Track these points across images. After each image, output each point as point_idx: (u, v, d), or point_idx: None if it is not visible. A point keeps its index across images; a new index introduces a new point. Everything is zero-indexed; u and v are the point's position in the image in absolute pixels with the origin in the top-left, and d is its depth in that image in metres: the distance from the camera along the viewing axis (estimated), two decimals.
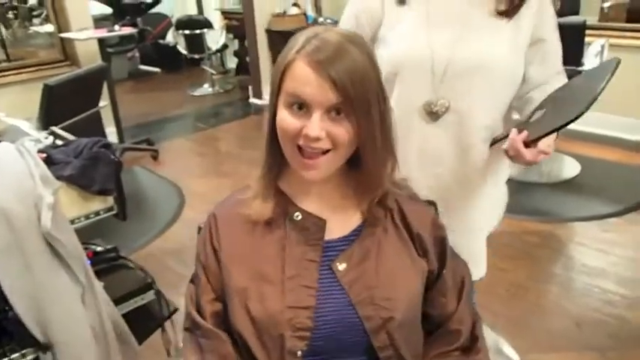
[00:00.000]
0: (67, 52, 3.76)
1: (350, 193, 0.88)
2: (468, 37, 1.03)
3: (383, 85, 0.82)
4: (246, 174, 3.43)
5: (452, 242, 0.96)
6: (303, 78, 0.76)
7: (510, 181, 1.28)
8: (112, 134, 3.68)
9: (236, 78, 5.88)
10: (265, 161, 0.87)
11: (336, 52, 0.76)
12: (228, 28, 5.71)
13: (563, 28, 3.23)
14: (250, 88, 5.04)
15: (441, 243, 0.93)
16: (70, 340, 1.25)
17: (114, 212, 1.43)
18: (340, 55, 0.76)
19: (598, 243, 2.50)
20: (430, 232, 0.91)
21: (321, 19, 4.62)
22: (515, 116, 1.17)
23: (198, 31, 5.48)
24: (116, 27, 3.86)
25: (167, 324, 1.61)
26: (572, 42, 2.74)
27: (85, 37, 3.56)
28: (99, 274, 1.41)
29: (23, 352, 1.24)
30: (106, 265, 1.57)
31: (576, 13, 3.98)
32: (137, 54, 6.47)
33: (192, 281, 0.94)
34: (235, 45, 5.92)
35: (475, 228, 1.21)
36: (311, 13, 4.67)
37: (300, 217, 0.87)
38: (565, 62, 2.99)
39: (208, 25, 5.59)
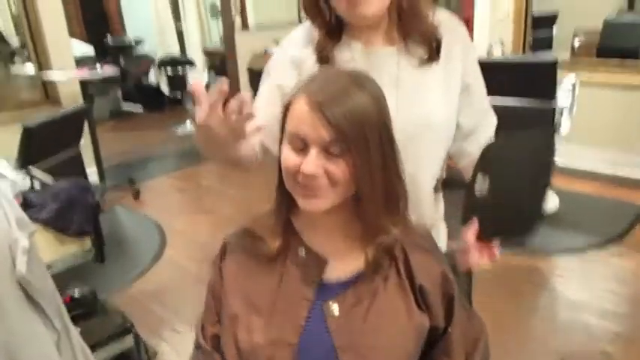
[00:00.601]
0: (48, 92, 3.76)
1: (356, 235, 0.87)
2: (403, 103, 1.00)
3: (389, 128, 0.83)
4: (227, 211, 3.43)
5: None
6: (301, 116, 0.79)
7: None
8: (92, 174, 3.65)
9: None
10: (276, 197, 0.89)
11: (336, 93, 0.79)
12: (211, 67, 5.77)
13: (536, 65, 3.31)
14: None
15: (449, 299, 0.88)
16: None
17: (91, 255, 1.41)
18: (340, 96, 0.78)
19: (580, 276, 2.51)
20: (438, 285, 0.87)
21: None
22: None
23: (180, 71, 5.53)
24: (98, 67, 3.88)
25: None
26: (546, 78, 2.82)
27: (66, 78, 3.57)
28: (76, 319, 1.37)
29: None
30: (84, 310, 1.54)
31: (549, 49, 4.12)
32: (119, 93, 6.49)
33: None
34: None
35: None
36: None
37: (303, 253, 0.87)
38: (539, 97, 3.06)
39: (191, 64, 5.65)
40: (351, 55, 1.03)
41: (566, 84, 2.93)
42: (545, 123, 2.83)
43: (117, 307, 1.57)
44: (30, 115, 3.02)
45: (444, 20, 1.05)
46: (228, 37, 4.70)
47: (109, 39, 6.50)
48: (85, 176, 3.02)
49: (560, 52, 3.80)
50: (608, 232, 2.84)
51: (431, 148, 1.02)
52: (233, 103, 0.80)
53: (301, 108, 0.79)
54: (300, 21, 4.83)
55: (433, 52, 1.03)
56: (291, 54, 1.07)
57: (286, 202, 0.88)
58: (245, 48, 4.67)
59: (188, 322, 2.17)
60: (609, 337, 2.06)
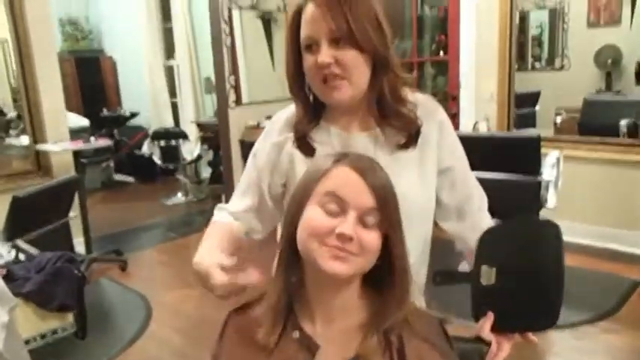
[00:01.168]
0: (40, 162, 3.78)
1: (357, 318, 0.85)
2: None
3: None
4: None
5: None
6: (346, 180, 0.80)
7: None
8: (79, 245, 3.61)
9: (209, 187, 5.94)
10: (282, 278, 0.86)
11: (372, 166, 0.83)
12: (203, 140, 5.87)
13: (521, 141, 3.39)
14: (223, 196, 5.09)
15: None
16: None
17: (72, 330, 1.37)
18: (375, 169, 0.83)
19: (573, 352, 2.46)
20: None
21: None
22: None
23: (173, 143, 5.62)
24: (92, 139, 3.93)
25: None
26: (530, 153, 2.89)
27: (60, 149, 3.61)
28: None
29: None
30: None
31: (533, 126, 4.25)
32: (112, 164, 6.54)
33: None
34: (210, 155, 6.05)
35: None
36: None
37: (297, 336, 0.85)
38: (524, 172, 3.11)
39: (184, 136, 5.75)
40: (328, 139, 1.05)
41: (551, 159, 3.00)
42: (532, 197, 2.88)
43: None
44: (21, 185, 3.04)
45: (422, 102, 1.07)
46: (222, 112, 4.82)
47: (105, 112, 6.64)
48: (72, 247, 2.99)
49: (543, 129, 3.93)
50: (600, 307, 2.81)
51: (408, 231, 0.97)
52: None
53: (346, 173, 0.81)
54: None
55: (411, 139, 1.04)
56: (272, 142, 1.10)
57: (290, 273, 0.86)
58: (238, 121, 4.78)
59: None
60: None
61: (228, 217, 1.14)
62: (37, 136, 3.72)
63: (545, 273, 0.95)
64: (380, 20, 0.98)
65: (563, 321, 2.82)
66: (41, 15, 3.66)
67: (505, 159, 2.91)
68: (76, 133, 4.32)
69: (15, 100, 4.03)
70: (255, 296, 0.92)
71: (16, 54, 3.61)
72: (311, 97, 1.05)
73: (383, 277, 0.84)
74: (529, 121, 4.22)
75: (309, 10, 0.96)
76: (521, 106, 4.10)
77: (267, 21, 4.87)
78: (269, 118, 1.16)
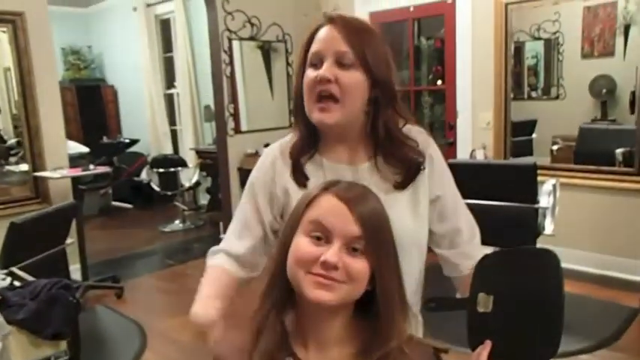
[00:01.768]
0: (39, 189, 3.79)
1: (351, 343, 0.85)
2: None
3: (395, 239, 0.85)
4: None
5: None
6: (330, 209, 0.81)
7: None
8: (76, 271, 3.59)
9: (207, 214, 5.94)
10: (273, 298, 0.86)
11: (362, 194, 0.83)
12: (202, 167, 5.89)
13: (517, 169, 3.41)
14: (221, 224, 5.09)
15: None
16: None
17: (66, 358, 1.36)
18: (366, 197, 0.83)
19: None
20: None
21: None
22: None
23: (172, 169, 5.64)
24: (91, 166, 3.95)
25: None
26: (526, 181, 2.91)
27: (59, 175, 3.62)
28: None
29: None
30: None
31: (530, 154, 4.28)
32: (110, 190, 6.55)
33: None
34: (208, 182, 6.07)
35: None
36: None
37: None
38: (521, 200, 3.12)
39: (183, 163, 5.78)
40: (321, 172, 1.04)
41: (547, 187, 3.02)
42: (529, 224, 2.88)
43: None
44: (19, 212, 3.04)
45: (414, 136, 1.06)
46: (221, 140, 4.86)
47: (105, 139, 6.69)
48: (68, 273, 2.97)
49: (540, 157, 3.95)
50: (599, 335, 2.79)
51: (402, 263, 0.93)
52: None
53: (330, 200, 0.81)
54: (290, 126, 5.03)
55: (408, 178, 1.03)
56: (267, 176, 1.10)
57: (283, 304, 0.86)
58: (236, 149, 4.81)
59: None
60: None
61: (224, 260, 1.11)
62: (37, 163, 3.74)
63: (544, 302, 0.94)
64: (389, 60, 1.01)
65: (562, 349, 2.78)
66: (44, 45, 3.73)
67: (502, 187, 2.92)
68: (75, 160, 4.35)
69: (16, 127, 4.06)
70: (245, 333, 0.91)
71: (18, 82, 3.65)
72: (307, 123, 1.04)
73: (376, 304, 0.83)
74: (526, 149, 4.24)
75: (325, 30, 0.98)
76: (518, 134, 4.13)
77: (266, 51, 4.95)
78: (267, 145, 1.16)
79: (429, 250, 1.13)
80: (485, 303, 0.93)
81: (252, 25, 4.78)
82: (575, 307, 3.32)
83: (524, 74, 4.39)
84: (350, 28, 0.97)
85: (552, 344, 0.94)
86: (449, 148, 4.20)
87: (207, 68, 5.11)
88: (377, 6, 4.48)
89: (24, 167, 3.84)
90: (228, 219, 4.97)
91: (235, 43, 4.70)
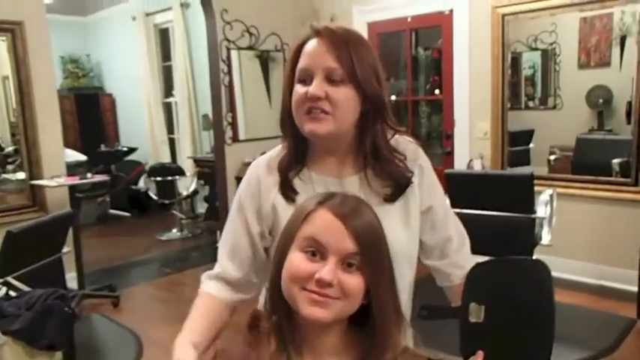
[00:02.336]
0: (36, 198, 3.79)
1: (347, 354, 0.85)
2: None
3: (389, 251, 0.85)
4: None
5: None
6: (326, 225, 0.80)
7: None
8: (72, 280, 3.57)
9: (205, 223, 5.93)
10: (270, 310, 0.86)
11: (356, 208, 0.82)
12: (200, 175, 5.89)
13: (514, 179, 3.41)
14: (219, 232, 5.07)
15: None
16: None
17: None
18: (360, 211, 0.82)
19: None
20: None
21: None
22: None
23: (170, 178, 5.64)
24: (89, 175, 3.95)
25: None
26: (523, 191, 2.91)
27: (56, 184, 3.62)
28: None
29: None
30: None
31: (527, 163, 4.29)
32: (108, 199, 6.55)
33: None
34: (206, 191, 6.07)
35: None
36: None
37: None
38: (518, 210, 3.12)
39: (180, 172, 5.78)
40: (311, 186, 1.03)
41: (544, 197, 3.02)
42: (526, 234, 2.88)
43: None
44: (15, 221, 3.02)
45: (403, 147, 1.06)
46: (219, 148, 4.87)
47: (103, 147, 6.69)
48: (64, 282, 2.96)
49: (537, 167, 3.96)
50: (596, 345, 2.77)
51: (396, 276, 0.93)
52: None
53: (326, 217, 0.80)
54: None
55: (398, 191, 1.02)
56: (255, 192, 1.07)
57: (279, 320, 0.85)
58: (234, 158, 4.82)
59: None
60: None
61: (216, 286, 1.10)
62: (34, 171, 3.73)
63: (535, 312, 0.95)
64: (379, 73, 0.99)
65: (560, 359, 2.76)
66: (43, 53, 3.74)
67: (499, 197, 2.93)
68: (73, 169, 4.35)
69: (13, 135, 4.06)
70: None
71: (16, 90, 3.66)
72: (296, 135, 1.03)
73: (371, 317, 0.83)
74: (523, 159, 4.25)
75: (312, 43, 0.97)
76: (516, 144, 4.14)
77: (264, 60, 4.97)
78: (264, 154, 1.14)
79: (419, 261, 1.13)
80: (476, 313, 0.93)
81: (251, 34, 4.80)
82: (572, 318, 3.32)
83: (521, 84, 4.42)
84: (338, 41, 0.95)
85: (544, 354, 0.94)
86: (446, 157, 4.20)
87: (205, 77, 5.13)
88: (375, 16, 4.50)
89: (21, 175, 3.84)
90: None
91: (234, 53, 4.72)
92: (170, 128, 6.76)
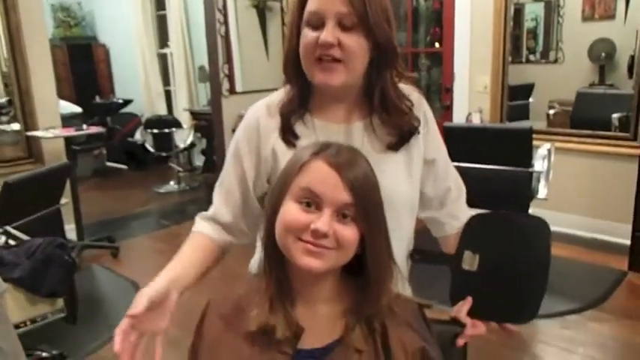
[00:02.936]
0: (32, 149, 3.76)
1: (341, 304, 0.87)
2: None
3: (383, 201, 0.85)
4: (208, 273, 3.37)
5: None
6: (321, 176, 0.79)
7: None
8: (71, 231, 3.60)
9: (202, 175, 5.93)
10: (264, 260, 0.86)
11: (352, 159, 0.81)
12: (197, 128, 5.85)
13: (513, 133, 3.41)
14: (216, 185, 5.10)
15: None
16: None
17: (63, 315, 1.37)
18: (356, 161, 0.81)
19: (560, 341, 2.49)
20: None
21: None
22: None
23: (167, 130, 5.60)
24: (84, 126, 3.91)
25: None
26: (521, 145, 2.91)
27: (51, 135, 3.59)
28: None
29: None
30: None
31: (526, 118, 4.27)
32: (104, 151, 6.52)
33: None
34: (203, 144, 6.04)
35: None
36: None
37: None
38: (516, 164, 3.13)
39: (177, 124, 5.73)
40: (313, 132, 1.01)
41: (542, 151, 3.02)
42: (523, 188, 2.90)
43: None
44: (12, 172, 3.02)
45: (407, 94, 1.04)
46: (216, 101, 4.81)
47: (98, 99, 6.60)
48: (63, 233, 2.98)
49: (537, 122, 3.94)
50: (587, 297, 2.85)
51: (393, 223, 0.93)
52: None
53: (321, 168, 0.80)
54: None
55: (402, 140, 1.01)
56: (254, 137, 1.04)
57: (275, 268, 0.86)
58: (231, 111, 4.77)
59: None
60: None
61: (209, 227, 1.10)
62: (29, 122, 3.69)
63: (529, 269, 0.96)
64: (390, 16, 0.95)
65: (551, 310, 2.87)
66: (33, 1, 3.62)
67: (497, 150, 2.93)
68: (68, 120, 4.30)
69: (6, 85, 3.99)
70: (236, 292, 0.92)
71: (7, 40, 3.57)
72: (300, 81, 1.00)
73: (364, 266, 0.84)
74: (522, 113, 4.23)
75: None
76: (515, 98, 4.10)
77: (261, 10, 4.84)
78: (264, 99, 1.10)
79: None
80: (470, 261, 0.95)
81: None
82: (564, 270, 3.39)
83: (523, 37, 4.34)
84: None
85: (530, 310, 0.96)
86: (445, 111, 4.17)
87: (201, 28, 5.01)
88: None
89: (16, 127, 3.80)
90: None
91: (230, 2, 4.60)
92: (166, 80, 6.65)
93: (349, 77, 0.95)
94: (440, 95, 4.27)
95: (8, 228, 1.58)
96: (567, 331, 2.57)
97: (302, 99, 1.01)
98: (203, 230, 1.10)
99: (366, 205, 0.80)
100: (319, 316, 0.86)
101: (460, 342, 0.94)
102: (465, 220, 1.03)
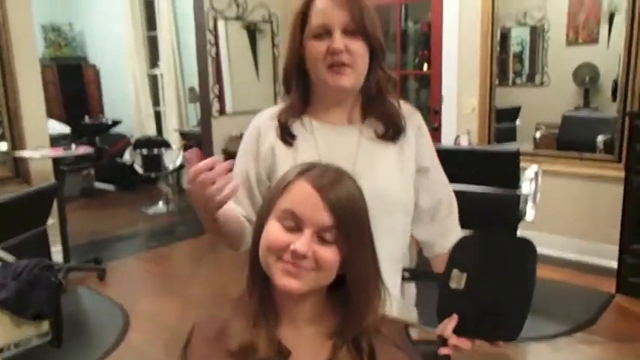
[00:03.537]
0: (19, 169, 3.73)
1: (326, 325, 0.86)
2: (361, 172, 1.01)
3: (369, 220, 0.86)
4: (197, 294, 3.34)
5: None
6: (302, 196, 0.80)
7: None
8: (57, 253, 3.55)
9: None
10: (248, 279, 0.86)
11: (336, 180, 0.82)
12: (186, 149, 5.84)
13: (500, 155, 3.44)
14: None
15: None
16: None
17: (48, 339, 1.35)
18: (340, 182, 0.82)
19: None
20: None
21: None
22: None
23: (156, 151, 5.58)
24: (73, 146, 3.90)
25: None
26: (509, 167, 2.94)
27: (39, 156, 3.56)
28: None
29: None
30: None
31: (513, 140, 4.33)
32: (92, 171, 6.47)
33: None
34: None
35: None
36: None
37: None
38: (503, 186, 3.15)
39: (166, 145, 5.72)
40: (311, 134, 1.10)
41: (529, 173, 3.05)
42: (511, 210, 2.92)
43: None
44: None
45: (402, 106, 1.15)
46: (206, 121, 4.82)
47: (87, 119, 6.58)
48: (49, 255, 2.94)
49: (524, 143, 3.99)
50: (576, 318, 2.86)
51: (387, 224, 1.00)
52: (207, 171, 0.86)
53: (304, 189, 0.80)
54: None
55: (392, 130, 1.11)
56: (256, 135, 1.14)
57: (259, 287, 0.86)
58: (221, 131, 4.78)
59: None
60: None
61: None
62: (17, 142, 3.67)
63: (515, 288, 0.97)
64: (379, 24, 1.09)
65: (541, 332, 2.87)
66: (23, 20, 3.64)
67: (485, 172, 2.95)
68: (56, 140, 4.28)
69: None
70: (222, 309, 0.91)
71: None
72: (300, 86, 1.11)
73: (349, 287, 0.84)
74: (510, 135, 4.28)
75: (323, 1, 1.05)
76: (503, 120, 4.16)
77: (252, 32, 4.89)
78: None
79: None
80: (458, 279, 0.96)
81: (238, 4, 4.71)
82: (553, 293, 3.40)
83: (509, 61, 4.42)
84: None
85: (515, 329, 0.97)
86: (433, 133, 4.21)
87: (191, 49, 5.04)
88: None
89: (3, 146, 3.76)
90: None
91: (221, 23, 4.64)
92: (156, 101, 6.66)
93: (357, 79, 1.07)
94: (428, 117, 4.32)
95: None
96: (558, 353, 2.57)
97: (301, 104, 1.12)
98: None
99: (347, 227, 0.80)
100: (306, 337, 0.86)
101: (443, 350, 0.95)
102: (454, 240, 1.05)
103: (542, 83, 4.28)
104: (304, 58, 1.07)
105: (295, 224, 0.80)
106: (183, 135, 5.92)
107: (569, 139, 3.91)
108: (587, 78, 4.03)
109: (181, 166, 5.96)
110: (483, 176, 2.93)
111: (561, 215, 3.67)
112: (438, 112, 4.21)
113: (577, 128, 4.02)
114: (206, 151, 4.87)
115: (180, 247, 4.39)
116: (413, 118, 1.15)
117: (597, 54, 3.90)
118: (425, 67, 4.51)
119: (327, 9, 1.04)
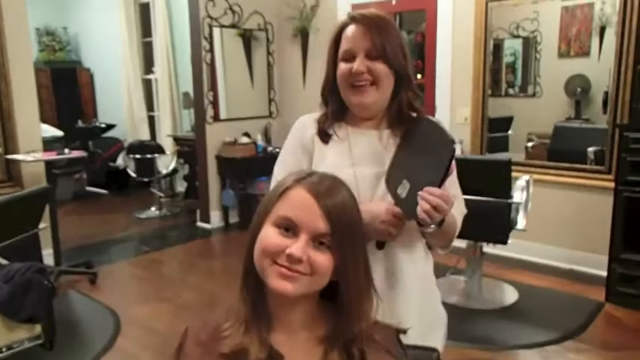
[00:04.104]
0: (11, 172, 3.71)
1: (318, 328, 0.87)
2: (384, 173, 1.18)
3: (363, 227, 0.89)
4: (188, 299, 3.33)
5: None
6: (299, 202, 0.82)
7: (452, 309, 1.32)
8: (48, 257, 3.54)
9: (184, 202, 5.90)
10: (242, 283, 0.87)
11: (332, 188, 0.84)
12: (179, 154, 5.84)
13: (492, 165, 3.47)
14: (198, 211, 5.06)
15: None
16: None
17: (40, 342, 1.34)
18: (336, 190, 0.84)
19: None
20: None
21: (270, 149, 4.83)
22: None
23: (149, 156, 5.58)
24: (66, 150, 3.88)
25: None
26: (501, 177, 2.97)
27: (32, 159, 3.55)
28: None
29: None
30: None
31: (505, 150, 4.36)
32: (85, 175, 6.45)
33: None
34: (185, 169, 6.02)
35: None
36: (261, 142, 4.89)
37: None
38: (495, 195, 3.17)
39: (160, 150, 5.71)
40: (345, 136, 1.24)
41: (521, 183, 3.09)
42: (502, 219, 2.95)
43: None
44: None
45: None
46: (200, 127, 4.83)
47: (80, 123, 6.57)
48: (41, 258, 2.93)
49: (516, 153, 4.03)
50: (566, 327, 2.88)
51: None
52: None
53: (300, 195, 0.82)
54: (270, 115, 5.03)
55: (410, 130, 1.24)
56: (299, 127, 1.30)
57: (252, 291, 0.87)
58: (215, 137, 4.79)
59: None
60: None
61: None
62: (9, 145, 3.66)
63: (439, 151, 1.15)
64: (404, 49, 1.22)
65: (531, 340, 2.88)
66: (18, 24, 3.64)
67: (477, 181, 2.98)
68: (49, 144, 4.27)
69: None
70: (215, 313, 0.92)
71: None
72: (334, 102, 1.25)
73: (341, 292, 0.85)
74: (502, 145, 4.31)
75: (351, 28, 1.20)
76: (495, 130, 4.20)
77: (247, 39, 4.91)
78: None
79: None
80: (403, 189, 1.10)
81: (234, 12, 4.74)
82: (543, 300, 3.42)
83: (502, 71, 4.46)
84: (371, 26, 1.18)
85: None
86: None
87: (186, 54, 5.06)
88: None
89: None
90: (205, 207, 4.97)
91: (216, 30, 4.66)
92: (150, 105, 6.66)
93: (380, 96, 1.20)
94: None
95: None
96: None
97: (336, 114, 1.27)
98: None
99: (342, 233, 0.81)
100: (297, 342, 0.87)
101: (421, 211, 1.02)
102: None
103: (534, 94, 4.32)
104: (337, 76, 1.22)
105: (291, 229, 0.82)
106: (177, 140, 5.92)
107: (561, 149, 3.95)
108: (578, 90, 4.07)
109: (174, 171, 5.96)
110: (475, 185, 2.94)
111: (552, 225, 3.70)
112: None
113: (568, 139, 4.07)
114: (199, 156, 4.88)
115: (172, 253, 4.38)
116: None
117: (588, 66, 3.94)
118: (419, 76, 4.54)
119: (354, 35, 1.19)
